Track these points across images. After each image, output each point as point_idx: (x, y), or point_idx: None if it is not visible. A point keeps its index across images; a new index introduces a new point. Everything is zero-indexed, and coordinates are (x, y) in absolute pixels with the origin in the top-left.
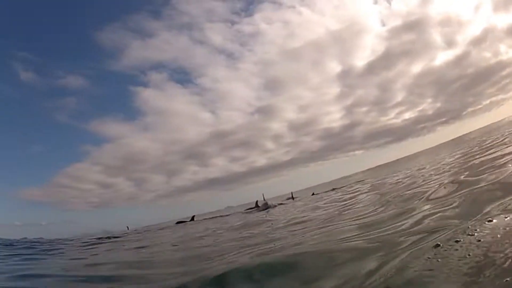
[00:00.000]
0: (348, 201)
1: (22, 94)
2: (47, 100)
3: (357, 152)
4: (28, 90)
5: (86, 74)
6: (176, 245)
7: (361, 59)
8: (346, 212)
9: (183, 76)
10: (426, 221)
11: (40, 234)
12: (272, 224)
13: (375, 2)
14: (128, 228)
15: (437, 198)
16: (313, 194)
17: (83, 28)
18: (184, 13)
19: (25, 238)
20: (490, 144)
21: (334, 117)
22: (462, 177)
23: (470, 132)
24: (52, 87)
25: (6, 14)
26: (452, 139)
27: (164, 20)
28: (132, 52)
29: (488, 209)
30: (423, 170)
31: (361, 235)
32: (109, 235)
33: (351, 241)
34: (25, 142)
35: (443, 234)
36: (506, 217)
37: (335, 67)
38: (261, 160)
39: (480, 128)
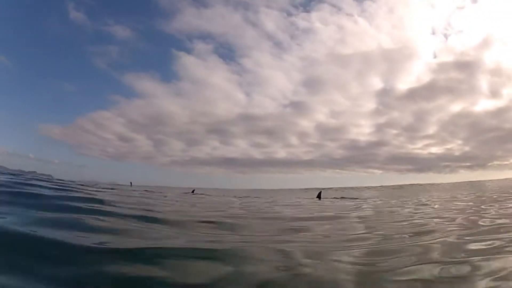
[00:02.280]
0: None
1: (68, 33)
2: (90, 44)
3: (376, 171)
4: (74, 30)
5: (134, 27)
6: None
7: (404, 83)
8: None
9: (227, 52)
10: None
11: (50, 171)
12: None
13: (433, 33)
14: (131, 184)
15: None
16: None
17: None
18: None
19: (34, 172)
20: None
21: (363, 131)
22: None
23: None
24: (98, 32)
25: None
26: (469, 181)
27: None
28: (184, 17)
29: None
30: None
31: None
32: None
33: None
34: (59, 80)
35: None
36: None
37: (377, 83)
38: (281, 153)
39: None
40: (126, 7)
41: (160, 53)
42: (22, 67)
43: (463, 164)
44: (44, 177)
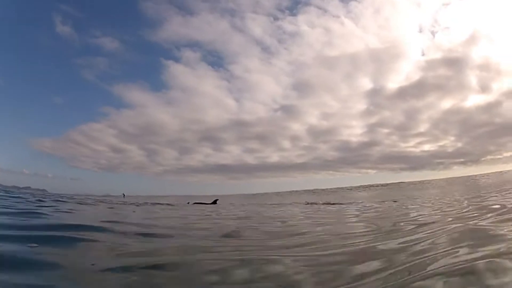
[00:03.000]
0: None
1: (55, 46)
2: (78, 56)
3: (369, 171)
4: (62, 43)
5: (121, 39)
6: None
7: (393, 82)
8: None
9: (216, 60)
10: None
11: (44, 186)
12: None
13: (420, 31)
14: (124, 196)
15: None
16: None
17: None
18: None
19: (29, 187)
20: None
21: (354, 132)
22: None
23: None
24: (86, 45)
25: None
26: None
27: (208, 2)
28: (171, 26)
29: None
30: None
31: None
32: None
33: None
34: (47, 93)
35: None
36: None
37: (366, 84)
38: (274, 157)
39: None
40: (113, 19)
41: (148, 63)
42: (9, 81)
43: (457, 160)
44: (38, 192)
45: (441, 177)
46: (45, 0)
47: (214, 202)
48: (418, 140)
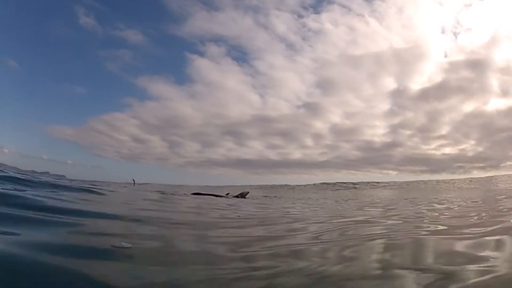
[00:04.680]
0: None
1: (78, 38)
2: (101, 48)
3: (390, 172)
4: (85, 35)
5: (145, 32)
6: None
7: (416, 83)
8: None
9: (240, 55)
10: None
11: (63, 172)
12: None
13: (443, 32)
14: (134, 183)
15: None
16: None
17: None
18: None
19: (47, 172)
20: None
21: (377, 132)
22: None
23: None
24: (109, 37)
25: None
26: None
27: None
28: (196, 21)
29: None
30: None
31: None
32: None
33: None
34: (69, 83)
35: None
36: None
37: (390, 84)
38: (296, 154)
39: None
40: (137, 12)
41: (173, 57)
42: (31, 70)
43: (476, 164)
44: (57, 177)
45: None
46: None
47: (241, 195)
48: (439, 142)
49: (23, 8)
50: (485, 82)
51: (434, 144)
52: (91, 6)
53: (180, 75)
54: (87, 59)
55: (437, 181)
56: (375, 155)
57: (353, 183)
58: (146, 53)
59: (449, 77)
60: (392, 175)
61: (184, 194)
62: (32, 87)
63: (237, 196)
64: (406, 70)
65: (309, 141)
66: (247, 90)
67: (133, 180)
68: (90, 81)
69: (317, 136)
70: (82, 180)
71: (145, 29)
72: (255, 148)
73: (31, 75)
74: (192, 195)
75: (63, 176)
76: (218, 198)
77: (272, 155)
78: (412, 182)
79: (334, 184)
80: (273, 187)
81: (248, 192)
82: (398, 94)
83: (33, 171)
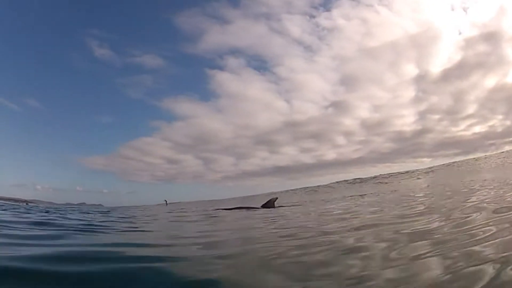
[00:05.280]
0: None
1: (96, 69)
2: (121, 76)
3: (425, 159)
4: (102, 66)
5: (162, 55)
6: None
7: (437, 66)
8: None
9: (260, 64)
10: None
11: (100, 201)
12: None
13: (452, 9)
14: (166, 203)
15: None
16: None
17: (161, 12)
18: (262, 3)
19: (84, 203)
20: None
21: (406, 121)
22: None
23: None
24: (127, 65)
25: None
26: None
27: (241, 9)
28: (210, 37)
29: None
30: None
31: None
32: None
33: None
34: (94, 113)
35: None
36: None
37: (411, 70)
38: (330, 154)
39: None
40: (151, 37)
41: (194, 75)
42: (54, 107)
43: (507, 139)
44: (94, 207)
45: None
46: (77, 27)
47: (268, 205)
48: (468, 122)
49: (38, 47)
50: (501, 53)
51: (463, 125)
52: (104, 38)
53: (203, 91)
54: (109, 88)
55: (476, 159)
56: (407, 145)
57: (389, 174)
58: (167, 75)
59: (466, 54)
60: (426, 162)
61: (216, 209)
62: (57, 123)
63: (265, 206)
64: (424, 54)
65: (341, 140)
66: (273, 97)
67: (165, 200)
68: (115, 110)
69: (348, 134)
70: (116, 207)
71: (161, 52)
72: (289, 154)
73: (55, 112)
74: (221, 210)
75: (100, 205)
76: (251, 210)
77: (307, 158)
78: (451, 164)
79: (374, 177)
80: (312, 189)
81: (277, 198)
82: (420, 80)
83: (68, 203)
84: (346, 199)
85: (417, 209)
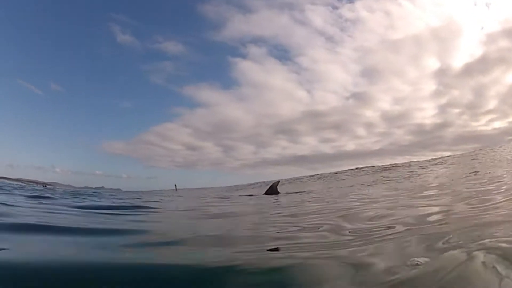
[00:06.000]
0: None
1: (118, 55)
2: (143, 62)
3: (444, 153)
4: (125, 52)
5: (185, 41)
6: None
7: (458, 60)
8: None
9: (282, 53)
10: None
11: (119, 185)
12: None
13: (475, 4)
14: (176, 188)
15: None
16: None
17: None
18: None
19: (102, 187)
20: None
21: (427, 114)
22: None
23: None
24: (149, 51)
25: None
26: None
27: None
28: (233, 25)
29: None
30: None
31: None
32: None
33: None
34: (116, 99)
35: None
36: None
37: (433, 64)
38: (350, 145)
39: None
40: (173, 24)
41: (216, 62)
42: (76, 92)
43: None
44: (112, 191)
45: None
46: (100, 12)
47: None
48: (488, 117)
49: (62, 32)
50: None
51: (484, 120)
52: (126, 23)
53: (225, 79)
54: (131, 74)
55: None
56: (427, 138)
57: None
58: (189, 62)
59: (488, 50)
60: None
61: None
62: (79, 108)
63: (268, 193)
64: (446, 48)
65: (361, 131)
66: (294, 87)
67: (175, 185)
68: (136, 95)
69: (369, 125)
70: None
71: (184, 38)
72: (309, 144)
73: (76, 96)
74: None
75: (118, 189)
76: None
77: (326, 148)
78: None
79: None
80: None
81: (279, 182)
82: (442, 74)
83: (87, 187)
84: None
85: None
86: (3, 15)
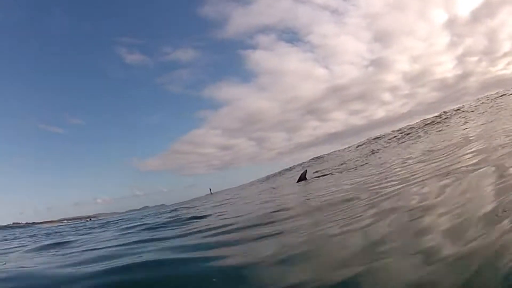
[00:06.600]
0: None
1: (131, 75)
2: (157, 75)
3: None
4: (137, 71)
5: (194, 46)
6: None
7: (464, 7)
8: None
9: (291, 36)
10: None
11: (162, 201)
12: None
13: None
14: (211, 192)
15: None
16: None
17: (183, 6)
18: None
19: (147, 206)
20: None
21: (446, 67)
22: None
23: None
24: (161, 64)
25: (104, 4)
26: None
27: None
28: (236, 20)
29: None
30: None
31: None
32: None
33: None
34: (140, 117)
35: None
36: None
37: (441, 16)
38: (380, 113)
39: None
40: (177, 32)
41: (228, 59)
42: (98, 121)
43: None
44: (157, 208)
45: None
46: (103, 40)
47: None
48: (506, 60)
49: (72, 68)
50: None
51: (502, 64)
52: (131, 44)
53: (242, 73)
54: (149, 90)
55: None
56: (452, 91)
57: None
58: (202, 65)
59: None
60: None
61: None
62: (104, 135)
63: (300, 180)
64: None
65: (387, 96)
66: (311, 66)
67: (210, 189)
68: (159, 109)
69: (393, 89)
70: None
71: (192, 43)
72: (339, 119)
73: (98, 125)
74: None
75: (163, 204)
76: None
77: (357, 120)
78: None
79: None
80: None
81: (306, 171)
82: (452, 24)
83: (130, 210)
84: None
85: None
86: (13, 61)
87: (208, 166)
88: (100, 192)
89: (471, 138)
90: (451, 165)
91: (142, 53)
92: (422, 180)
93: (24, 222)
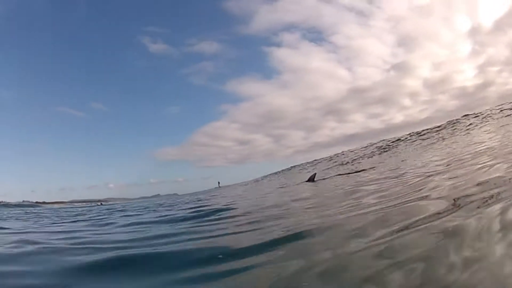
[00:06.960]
0: None
1: (154, 65)
2: (181, 66)
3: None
4: (161, 60)
5: (219, 39)
6: None
7: (488, 16)
8: None
9: (316, 35)
10: None
11: (175, 190)
12: None
13: None
14: (219, 185)
15: None
16: None
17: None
18: None
19: (158, 194)
20: None
21: (467, 76)
22: None
23: None
24: (185, 54)
25: None
26: None
27: None
28: (261, 16)
29: None
30: None
31: None
32: None
33: None
34: (162, 106)
35: None
36: None
37: (465, 24)
38: (398, 117)
39: None
40: (203, 24)
41: (252, 55)
42: (119, 107)
43: None
44: (168, 197)
45: None
46: (128, 28)
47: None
48: None
49: (97, 53)
50: None
51: None
52: (156, 33)
53: (265, 70)
54: (172, 80)
55: None
56: (471, 100)
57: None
58: (226, 59)
59: None
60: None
61: None
62: (124, 122)
63: (309, 180)
64: (474, 5)
65: (406, 102)
66: (334, 66)
67: (218, 182)
68: (181, 99)
69: (413, 95)
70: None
71: (217, 36)
72: (357, 121)
73: (119, 111)
74: None
75: (175, 194)
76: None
77: (375, 124)
78: None
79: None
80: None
81: (315, 174)
82: (475, 32)
83: (142, 197)
84: None
85: None
86: (36, 47)
87: (224, 159)
88: (113, 178)
89: None
90: None
91: (167, 43)
92: None
93: (34, 201)
